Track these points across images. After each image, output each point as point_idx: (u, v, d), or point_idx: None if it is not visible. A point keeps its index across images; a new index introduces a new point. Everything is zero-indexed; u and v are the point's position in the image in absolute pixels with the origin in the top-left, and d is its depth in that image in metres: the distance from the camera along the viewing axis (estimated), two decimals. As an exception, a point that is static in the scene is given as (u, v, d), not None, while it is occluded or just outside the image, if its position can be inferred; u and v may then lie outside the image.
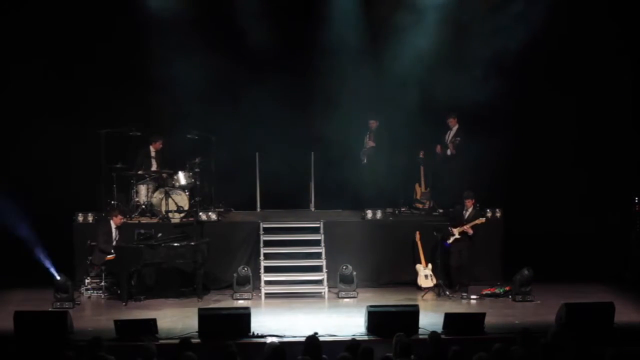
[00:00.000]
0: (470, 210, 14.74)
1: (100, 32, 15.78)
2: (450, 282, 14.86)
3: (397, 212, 16.18)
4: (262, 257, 15.04)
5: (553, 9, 15.72)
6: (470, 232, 14.57)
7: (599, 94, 16.18)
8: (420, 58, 16.09)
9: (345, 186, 16.43)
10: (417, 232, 15.24)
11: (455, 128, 15.96)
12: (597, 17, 15.98)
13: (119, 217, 14.69)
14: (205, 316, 11.93)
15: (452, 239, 14.63)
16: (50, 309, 13.41)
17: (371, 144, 16.44)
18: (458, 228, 14.61)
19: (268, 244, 15.26)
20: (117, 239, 14.67)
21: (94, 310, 13.97)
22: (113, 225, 14.68)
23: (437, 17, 16.11)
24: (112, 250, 14.42)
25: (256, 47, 16.19)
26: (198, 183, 15.66)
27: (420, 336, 11.53)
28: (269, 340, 11.27)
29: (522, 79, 15.99)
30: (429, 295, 14.67)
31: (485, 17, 16.03)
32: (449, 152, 15.84)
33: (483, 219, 14.74)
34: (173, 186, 15.61)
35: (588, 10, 15.94)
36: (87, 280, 14.73)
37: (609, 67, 16.11)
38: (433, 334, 10.10)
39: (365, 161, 16.53)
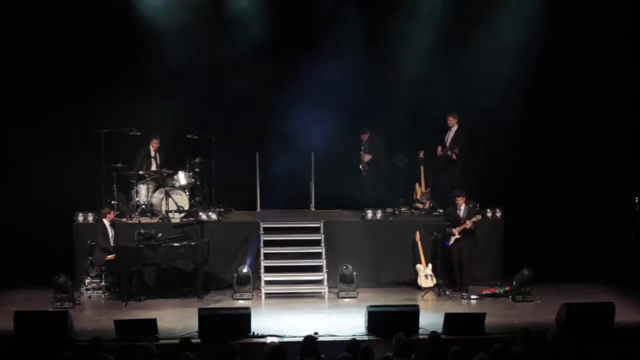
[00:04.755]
0: (463, 208, 14.76)
1: (101, 32, 15.77)
2: (451, 281, 14.86)
3: (397, 212, 16.18)
4: (262, 257, 15.05)
5: (557, 11, 15.78)
6: (472, 227, 14.56)
7: (600, 93, 16.17)
8: (421, 59, 16.11)
9: (345, 186, 16.44)
10: (417, 232, 15.24)
11: (454, 128, 15.93)
12: (600, 18, 15.99)
13: (111, 213, 14.71)
14: (205, 316, 11.94)
15: (452, 239, 14.64)
16: (50, 309, 13.41)
17: (367, 157, 16.42)
18: (458, 228, 14.62)
19: (268, 244, 15.26)
20: (113, 236, 14.67)
21: (94, 310, 13.96)
22: (107, 223, 14.68)
23: (437, 18, 16.14)
24: (113, 250, 14.41)
25: (256, 47, 16.20)
26: (198, 183, 15.67)
27: (420, 336, 11.54)
28: (269, 340, 11.28)
29: (523, 79, 15.99)
30: (429, 295, 14.67)
31: (487, 18, 16.05)
32: (449, 153, 15.81)
33: (480, 216, 14.75)
34: (173, 186, 15.62)
35: (591, 12, 15.96)
36: (87, 280, 14.73)
37: (609, 68, 16.10)
38: (433, 334, 10.10)
39: (365, 174, 16.53)
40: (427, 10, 16.21)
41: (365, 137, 16.48)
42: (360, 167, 16.53)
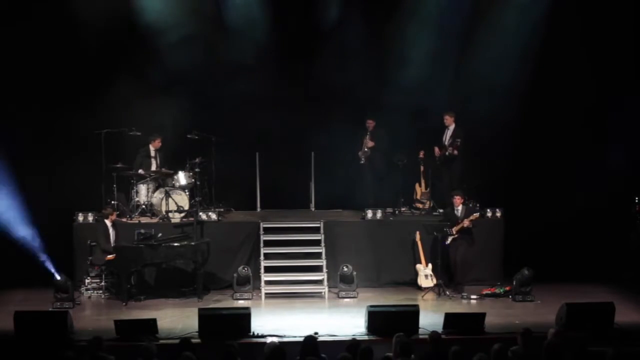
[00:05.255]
0: (460, 208, 14.77)
1: (101, 32, 15.76)
2: (450, 281, 14.86)
3: (397, 212, 16.17)
4: (262, 257, 15.05)
5: (559, 12, 15.79)
6: (470, 225, 14.57)
7: (600, 93, 16.17)
8: (423, 60, 16.12)
9: (345, 186, 16.44)
10: (417, 232, 15.24)
11: (452, 127, 15.95)
12: (603, 19, 15.99)
13: (114, 214, 14.73)
14: (205, 316, 11.94)
15: (449, 239, 14.65)
16: (50, 309, 13.40)
17: (370, 143, 16.42)
18: (455, 227, 14.63)
19: (268, 244, 15.26)
20: (114, 237, 14.68)
21: (94, 310, 13.97)
22: (108, 224, 14.69)
23: (439, 20, 16.15)
24: (113, 250, 14.41)
25: (256, 46, 16.21)
26: (198, 183, 15.67)
27: (420, 336, 11.53)
28: (269, 340, 11.27)
29: (523, 79, 15.99)
30: (429, 295, 14.67)
31: (489, 19, 16.06)
32: (447, 152, 15.81)
33: (477, 214, 14.74)
34: (173, 186, 15.62)
35: (594, 14, 15.96)
36: (87, 280, 14.74)
37: (610, 69, 16.10)
38: (433, 333, 10.10)
39: (363, 161, 16.51)
40: (429, 12, 16.20)
41: (371, 124, 16.43)
42: (360, 152, 16.47)
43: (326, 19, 16.38)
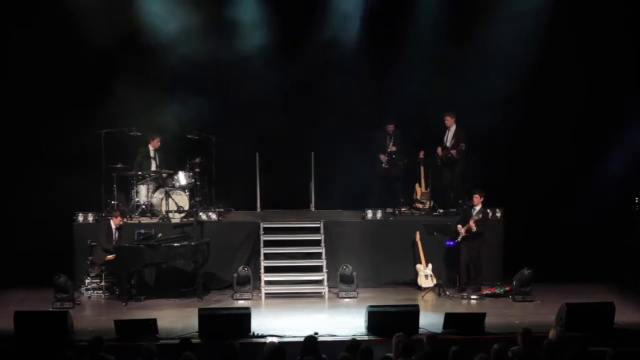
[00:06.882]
0: (479, 207, 14.72)
1: (101, 31, 15.75)
2: (458, 281, 14.84)
3: (397, 212, 16.17)
4: (262, 257, 15.05)
5: (558, 16, 15.82)
6: (474, 228, 14.54)
7: (600, 93, 16.18)
8: (423, 61, 16.14)
9: (345, 186, 16.45)
10: (417, 232, 15.24)
11: (453, 128, 15.96)
12: (600, 24, 16.01)
13: (119, 218, 14.69)
14: (205, 316, 11.95)
15: (460, 237, 14.64)
16: (50, 309, 13.40)
17: (394, 148, 16.35)
18: (465, 226, 14.62)
19: (268, 244, 15.26)
20: (117, 240, 14.66)
21: (94, 310, 13.97)
22: (113, 226, 14.68)
23: (438, 21, 16.17)
24: (113, 250, 14.40)
25: (256, 46, 16.21)
26: (198, 183, 15.67)
27: (420, 336, 11.52)
28: (269, 340, 11.28)
29: (523, 79, 16.00)
30: (429, 295, 14.67)
31: (488, 22, 16.08)
32: (450, 154, 15.81)
33: (478, 216, 14.70)
34: (173, 186, 15.62)
35: (592, 17, 15.98)
36: (87, 280, 14.74)
37: (607, 71, 16.10)
38: (429, 335, 10.12)
39: (387, 166, 16.39)
40: (428, 13, 16.21)
41: (391, 128, 16.35)
42: (383, 157, 16.29)
43: (328, 18, 16.38)
